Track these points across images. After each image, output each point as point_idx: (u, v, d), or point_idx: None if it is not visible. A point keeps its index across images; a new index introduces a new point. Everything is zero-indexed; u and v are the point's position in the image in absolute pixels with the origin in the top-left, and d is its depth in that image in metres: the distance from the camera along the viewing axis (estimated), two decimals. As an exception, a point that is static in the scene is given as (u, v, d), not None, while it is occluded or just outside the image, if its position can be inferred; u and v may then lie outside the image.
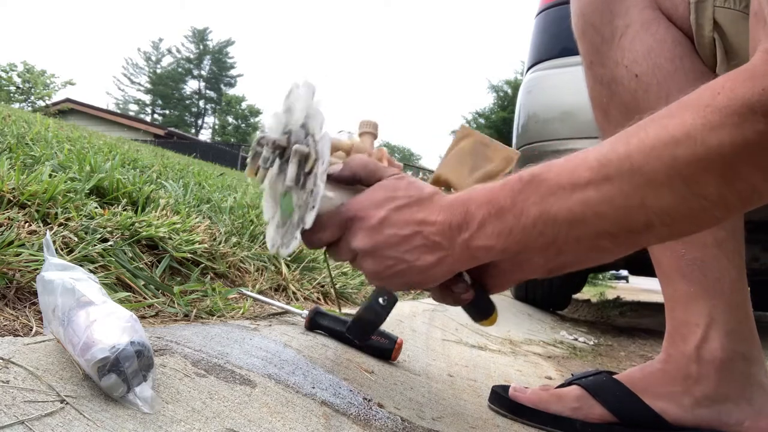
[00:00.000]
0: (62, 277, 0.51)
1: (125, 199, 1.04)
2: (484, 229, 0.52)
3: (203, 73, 44.55)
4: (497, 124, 21.83)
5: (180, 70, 44.20)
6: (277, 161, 0.59)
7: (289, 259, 1.23)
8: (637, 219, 0.47)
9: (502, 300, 2.62)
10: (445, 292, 0.61)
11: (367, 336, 0.75)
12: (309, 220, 0.54)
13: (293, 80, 0.59)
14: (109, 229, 0.85)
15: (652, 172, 0.45)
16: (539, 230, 0.50)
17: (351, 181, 0.59)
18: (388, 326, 1.07)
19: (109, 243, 0.81)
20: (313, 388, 0.65)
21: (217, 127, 44.39)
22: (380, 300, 0.69)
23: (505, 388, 0.84)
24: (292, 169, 0.56)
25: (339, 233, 0.57)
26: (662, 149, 0.44)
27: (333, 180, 0.58)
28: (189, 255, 0.95)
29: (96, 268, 0.76)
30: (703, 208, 0.45)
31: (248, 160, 0.59)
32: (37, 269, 0.64)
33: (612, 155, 0.47)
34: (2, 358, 0.46)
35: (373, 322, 0.70)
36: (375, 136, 0.66)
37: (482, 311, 0.67)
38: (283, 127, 0.59)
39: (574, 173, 0.48)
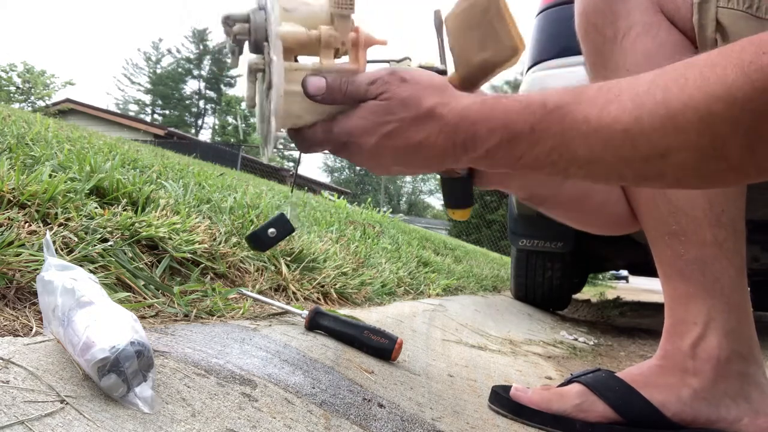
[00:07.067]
0: (62, 278, 0.51)
1: (125, 200, 1.04)
2: (493, 154, 0.50)
3: (203, 73, 44.57)
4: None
5: (180, 70, 44.21)
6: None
7: (289, 259, 1.23)
8: (654, 168, 0.45)
9: (503, 300, 2.62)
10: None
11: (260, 249, 0.81)
12: (274, 107, 0.55)
13: None
14: (109, 229, 0.85)
15: (685, 123, 0.42)
16: (552, 160, 0.48)
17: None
18: (388, 326, 1.07)
19: (109, 243, 0.81)
20: (313, 388, 0.65)
21: (217, 127, 44.41)
22: (268, 232, 0.72)
23: (506, 388, 0.84)
24: (250, 88, 0.59)
25: (336, 149, 0.58)
26: (700, 102, 0.41)
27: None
28: (189, 255, 0.95)
29: (96, 268, 0.76)
30: (720, 169, 0.43)
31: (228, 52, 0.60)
32: (37, 269, 0.64)
33: (647, 98, 0.44)
34: (2, 358, 0.46)
35: (260, 246, 0.75)
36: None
37: (461, 199, 0.67)
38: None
39: (604, 110, 0.45)
